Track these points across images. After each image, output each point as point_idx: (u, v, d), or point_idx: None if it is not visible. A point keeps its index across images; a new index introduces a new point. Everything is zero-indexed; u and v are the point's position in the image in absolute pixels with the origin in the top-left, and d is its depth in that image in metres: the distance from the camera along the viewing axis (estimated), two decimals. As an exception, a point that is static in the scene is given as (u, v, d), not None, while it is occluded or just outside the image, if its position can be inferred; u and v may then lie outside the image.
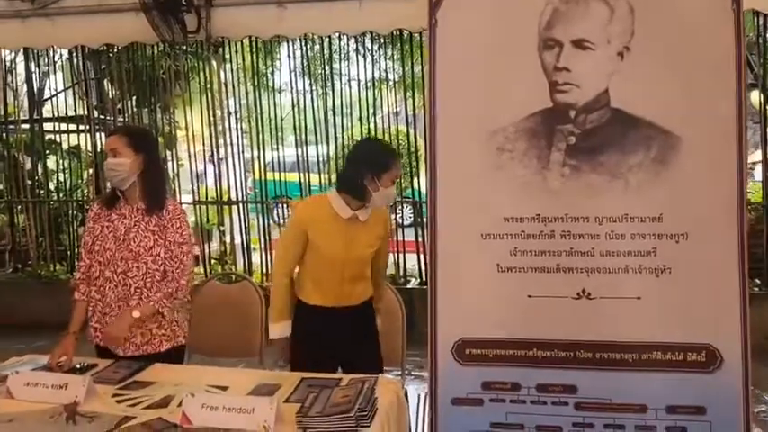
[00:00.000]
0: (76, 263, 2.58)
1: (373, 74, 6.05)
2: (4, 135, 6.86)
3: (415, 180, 6.63)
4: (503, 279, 1.94)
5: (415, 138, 6.13)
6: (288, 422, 1.91)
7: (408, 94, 5.97)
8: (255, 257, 6.17)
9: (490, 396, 1.89)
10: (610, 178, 1.99)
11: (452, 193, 1.90)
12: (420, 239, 5.88)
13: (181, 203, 3.71)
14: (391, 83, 6.11)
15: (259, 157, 6.10)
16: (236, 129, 6.12)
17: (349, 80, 6.13)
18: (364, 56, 6.11)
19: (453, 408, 1.85)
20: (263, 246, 6.05)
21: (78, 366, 2.42)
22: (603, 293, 1.99)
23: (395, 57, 6.05)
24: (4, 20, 5.50)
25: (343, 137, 6.15)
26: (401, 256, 5.94)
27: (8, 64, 6.81)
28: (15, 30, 5.51)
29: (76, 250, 6.63)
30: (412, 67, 5.86)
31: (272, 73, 6.48)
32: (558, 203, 1.96)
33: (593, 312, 1.99)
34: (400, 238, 5.96)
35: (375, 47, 6.14)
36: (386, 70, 6.16)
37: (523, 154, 1.97)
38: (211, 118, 6.06)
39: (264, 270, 6.01)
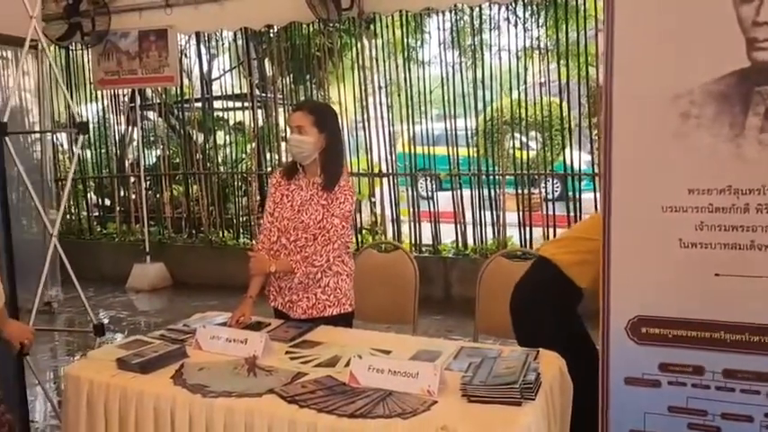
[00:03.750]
0: (257, 230, 2.75)
1: (524, 43, 5.84)
2: (180, 114, 7.55)
3: (564, 153, 6.36)
4: (686, 255, 1.79)
5: (569, 109, 5.86)
6: (450, 389, 1.94)
7: (562, 62, 5.71)
8: (404, 228, 6.29)
9: (668, 378, 1.77)
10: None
11: (629, 164, 1.77)
12: (572, 214, 5.66)
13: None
14: (543, 51, 5.87)
15: (408, 131, 6.18)
16: (386, 103, 6.23)
17: (499, 50, 5.98)
18: (515, 24, 5.92)
19: (626, 387, 1.76)
20: (411, 217, 6.15)
21: (256, 324, 2.61)
22: (804, 274, 1.77)
23: (548, 24, 5.79)
24: (180, 6, 6.02)
25: (492, 108, 6.04)
26: (551, 230, 5.76)
27: (182, 48, 7.45)
28: (189, 15, 6.02)
29: (242, 219, 7.19)
30: (567, 35, 5.59)
31: (421, 46, 6.50)
32: (754, 174, 1.76)
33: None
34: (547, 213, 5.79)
35: (527, 14, 5.92)
36: (537, 38, 5.93)
37: (712, 120, 1.79)
38: (362, 92, 6.22)
39: (413, 240, 6.12)
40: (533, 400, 1.85)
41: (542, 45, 5.87)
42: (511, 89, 5.92)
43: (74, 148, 8.12)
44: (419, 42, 6.48)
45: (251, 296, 2.68)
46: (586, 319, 2.56)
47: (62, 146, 8.22)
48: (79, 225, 7.75)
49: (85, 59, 7.28)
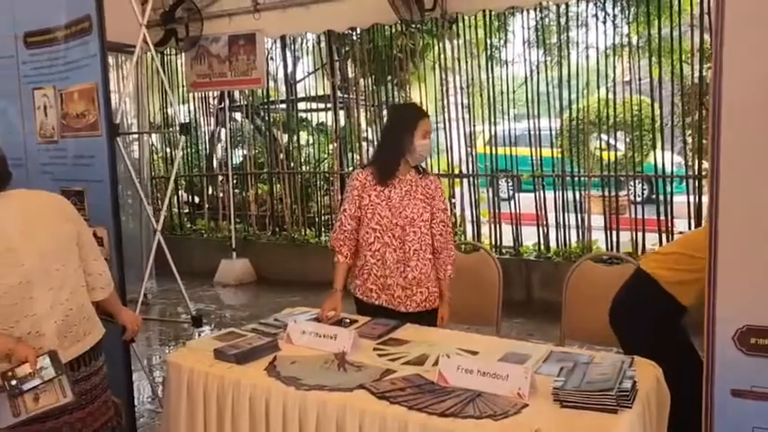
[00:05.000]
0: (335, 225, 2.81)
1: (613, 40, 5.66)
2: (266, 115, 7.81)
3: (652, 154, 6.11)
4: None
5: (660, 108, 5.62)
6: (541, 393, 1.91)
7: (653, 59, 5.49)
8: (484, 229, 6.24)
9: (781, 392, 1.66)
10: None
11: (739, 166, 1.68)
12: (662, 218, 5.43)
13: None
14: (632, 48, 5.66)
15: (488, 131, 6.12)
16: (468, 103, 6.19)
17: (586, 48, 5.82)
18: (604, 21, 5.75)
19: (733, 400, 1.67)
20: (491, 218, 6.09)
21: (345, 321, 2.67)
22: None
23: (639, 20, 5.58)
24: (267, 11, 6.22)
25: (577, 107, 5.89)
26: (639, 234, 5.55)
27: (267, 51, 7.69)
28: (277, 19, 6.21)
29: (324, 217, 7.35)
30: (659, 30, 5.37)
31: (504, 45, 6.42)
32: None
33: None
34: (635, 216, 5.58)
35: (616, 10, 5.73)
36: (627, 35, 5.72)
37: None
38: (442, 93, 6.21)
39: (493, 242, 6.05)
40: (630, 408, 1.80)
41: (632, 42, 5.67)
42: (598, 87, 5.75)
43: (167, 148, 8.59)
44: (502, 41, 6.40)
45: (340, 289, 2.75)
46: (690, 326, 2.47)
47: (154, 146, 8.68)
48: (171, 221, 8.16)
49: (178, 63, 7.65)
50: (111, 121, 2.60)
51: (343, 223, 2.77)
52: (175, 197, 8.35)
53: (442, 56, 6.16)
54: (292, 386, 2.04)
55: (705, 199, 5.19)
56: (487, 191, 6.22)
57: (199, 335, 5.16)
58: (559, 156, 5.99)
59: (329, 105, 7.39)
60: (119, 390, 2.55)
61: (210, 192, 8.31)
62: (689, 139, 5.33)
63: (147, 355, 4.86)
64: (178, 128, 3.19)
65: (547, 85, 5.91)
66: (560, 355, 2.24)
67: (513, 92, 6.13)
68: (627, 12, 5.71)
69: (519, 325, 5.01)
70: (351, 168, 7.22)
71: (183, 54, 6.85)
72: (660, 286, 2.49)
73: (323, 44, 7.29)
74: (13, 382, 1.81)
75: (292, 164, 7.52)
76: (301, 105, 7.98)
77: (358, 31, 6.67)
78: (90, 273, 2.14)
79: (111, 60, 6.24)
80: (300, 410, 1.98)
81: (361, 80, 7.02)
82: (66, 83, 2.70)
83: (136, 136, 6.45)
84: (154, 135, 8.46)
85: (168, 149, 8.61)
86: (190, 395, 2.23)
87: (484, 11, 5.71)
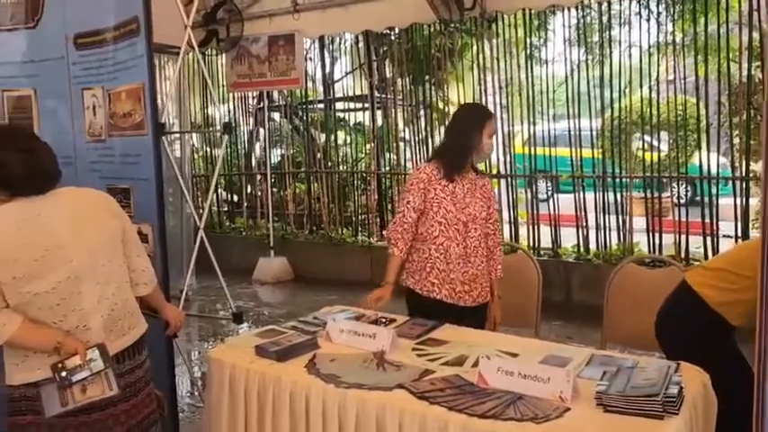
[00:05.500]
0: (395, 218, 2.82)
1: (657, 38, 5.54)
2: (304, 115, 7.88)
3: (696, 155, 5.95)
4: None
5: (706, 107, 5.48)
6: (583, 397, 1.88)
7: (699, 57, 5.35)
8: (521, 230, 6.18)
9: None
10: None
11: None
12: (707, 220, 5.29)
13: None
14: (677, 47, 5.53)
15: (526, 131, 6.05)
16: (507, 103, 6.14)
17: (629, 46, 5.72)
18: (648, 19, 5.63)
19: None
20: (529, 219, 6.02)
21: (382, 320, 2.68)
22: None
23: (684, 17, 5.45)
24: (307, 12, 6.27)
25: (619, 107, 5.78)
26: (683, 237, 5.42)
27: (306, 51, 7.76)
28: (316, 19, 6.26)
29: (360, 217, 7.37)
30: (705, 28, 5.23)
31: (544, 44, 6.34)
32: None
33: None
34: (678, 219, 5.45)
35: (660, 8, 5.61)
36: (671, 33, 5.60)
37: None
38: (481, 92, 6.17)
39: (531, 243, 5.99)
40: (676, 414, 1.76)
41: (677, 40, 5.54)
42: (641, 86, 5.63)
43: (206, 147, 8.74)
44: (542, 40, 6.33)
45: (391, 283, 2.79)
46: (739, 332, 2.41)
47: (195, 145, 8.84)
48: (210, 219, 8.30)
49: (218, 64, 7.77)
50: (157, 120, 2.66)
51: (405, 215, 2.78)
52: (215, 195, 8.49)
53: (481, 55, 6.12)
54: (332, 384, 2.05)
55: (753, 201, 5.05)
56: (525, 191, 6.15)
57: (237, 332, 5.25)
58: (600, 156, 5.88)
59: (366, 105, 7.42)
60: (161, 383, 2.60)
61: (249, 190, 8.42)
62: (736, 140, 5.18)
63: (187, 350, 4.94)
64: (221, 127, 3.22)
65: (588, 84, 5.81)
66: (602, 359, 2.21)
67: (554, 91, 6.05)
68: (672, 9, 5.58)
69: (558, 327, 4.94)
70: (387, 168, 7.24)
71: (223, 54, 6.96)
72: (707, 304, 2.43)
73: (361, 44, 7.32)
74: (63, 374, 1.87)
75: (329, 163, 7.57)
76: (339, 105, 8.02)
77: (396, 31, 6.67)
78: (134, 269, 2.19)
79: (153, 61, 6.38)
80: (340, 408, 1.99)
81: (399, 80, 7.03)
82: (114, 83, 2.77)
83: (177, 135, 6.57)
84: (194, 134, 8.62)
85: (208, 149, 8.77)
86: (231, 390, 2.27)
87: (524, 9, 5.64)
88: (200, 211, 7.98)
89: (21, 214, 1.92)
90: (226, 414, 2.27)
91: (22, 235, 1.89)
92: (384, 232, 2.89)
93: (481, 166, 6.28)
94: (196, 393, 3.98)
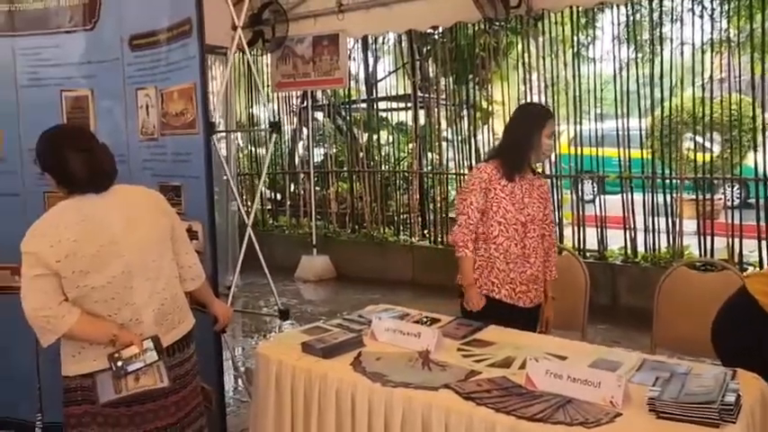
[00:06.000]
0: (459, 220, 2.79)
1: (711, 35, 5.37)
2: (347, 114, 7.92)
3: (750, 155, 5.74)
4: None
5: (762, 106, 5.28)
6: (635, 402, 1.84)
7: (756, 55, 5.16)
8: (566, 232, 6.08)
9: None
10: None
11: None
12: (762, 223, 5.10)
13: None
14: (732, 44, 5.35)
15: (572, 131, 5.95)
16: (552, 102, 6.05)
17: (681, 44, 5.55)
18: (701, 15, 5.46)
19: None
20: (575, 220, 5.92)
21: (424, 320, 2.67)
22: None
23: (740, 13, 5.27)
24: (351, 12, 6.30)
25: (669, 106, 5.63)
26: (736, 240, 5.25)
27: (349, 51, 7.80)
28: (360, 19, 6.28)
29: (402, 216, 7.38)
30: (763, 25, 5.04)
31: (591, 42, 6.23)
32: None
33: None
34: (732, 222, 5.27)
35: (714, 4, 5.44)
36: (726, 30, 5.41)
37: None
38: (526, 91, 6.10)
39: (576, 245, 5.89)
40: (734, 423, 1.70)
41: (731, 37, 5.36)
42: (693, 84, 5.47)
43: (250, 146, 8.88)
44: (589, 38, 6.21)
45: (473, 283, 2.77)
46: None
47: (239, 144, 8.98)
48: (254, 217, 8.41)
49: (262, 64, 7.88)
50: (208, 119, 2.71)
51: (470, 216, 2.76)
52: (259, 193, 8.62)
53: (526, 54, 6.04)
54: (378, 382, 2.06)
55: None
56: (571, 192, 6.05)
57: (280, 328, 5.32)
58: (649, 156, 5.74)
59: (409, 105, 7.41)
60: (209, 377, 2.66)
61: (292, 189, 8.51)
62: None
63: (231, 345, 5.03)
64: (269, 126, 3.26)
65: (637, 82, 5.68)
66: (654, 364, 2.15)
67: (601, 90, 5.93)
68: (726, 5, 5.40)
69: (604, 331, 4.85)
70: (429, 168, 7.22)
71: (268, 55, 7.04)
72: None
73: (404, 43, 7.31)
74: (119, 363, 1.94)
75: (372, 163, 7.59)
76: (381, 105, 8.04)
77: (440, 30, 6.64)
78: (182, 265, 2.25)
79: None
80: (386, 407, 2.00)
81: (442, 79, 7.00)
82: (167, 83, 2.83)
83: (222, 134, 6.70)
84: (239, 133, 8.76)
85: (252, 148, 8.90)
86: (278, 386, 2.30)
87: (571, 7, 5.54)
88: (243, 208, 8.15)
89: (79, 211, 1.99)
90: (272, 409, 2.30)
91: (81, 231, 1.96)
92: (449, 237, 2.87)
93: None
94: (240, 387, 4.04)
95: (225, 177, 4.40)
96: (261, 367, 2.38)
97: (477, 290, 2.76)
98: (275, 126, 3.25)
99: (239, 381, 4.12)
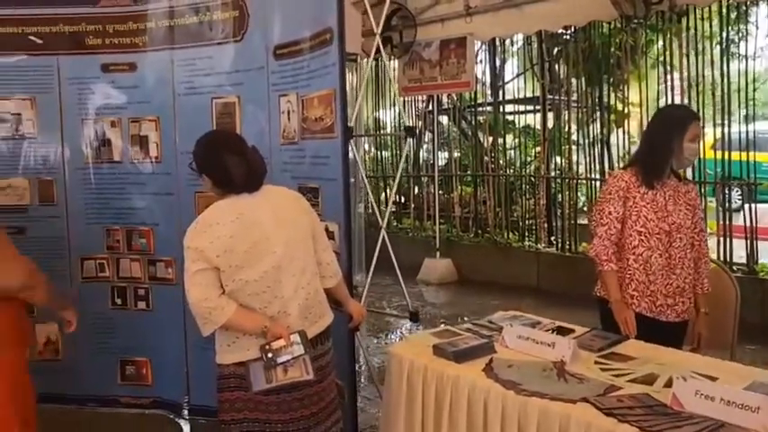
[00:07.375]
0: (598, 232, 2.67)
1: None
2: (472, 118, 7.87)
3: None
4: None
5: None
6: (803, 434, 1.67)
7: None
8: (711, 243, 5.63)
9: None
10: None
11: None
12: None
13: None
14: None
15: (718, 133, 5.50)
16: (696, 102, 5.63)
17: None
18: None
19: None
20: (721, 231, 5.48)
21: (554, 329, 2.59)
22: None
23: None
24: (479, 14, 6.26)
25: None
26: None
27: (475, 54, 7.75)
28: (488, 22, 6.23)
29: (528, 221, 7.21)
30: None
31: (745, 38, 5.73)
32: None
33: None
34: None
35: None
36: None
37: None
38: (666, 92, 5.73)
39: (721, 257, 5.44)
40: None
41: None
42: None
43: (374, 149, 9.07)
44: (741, 34, 5.72)
45: (620, 299, 2.66)
46: None
47: (366, 148, 9.21)
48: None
49: (389, 68, 8.01)
50: (347, 124, 2.81)
51: (610, 227, 2.66)
52: (383, 196, 8.79)
53: (667, 52, 5.68)
54: (512, 390, 2.02)
55: None
56: (716, 200, 5.60)
57: (404, 328, 5.39)
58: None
59: (537, 107, 7.23)
60: (342, 373, 2.75)
61: (416, 192, 8.60)
62: None
63: (365, 344, 5.16)
64: (403, 130, 3.33)
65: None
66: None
67: (754, 90, 5.44)
68: None
69: (754, 352, 4.45)
70: (557, 172, 7.00)
71: (395, 60, 7.17)
72: None
73: (533, 45, 7.14)
74: (270, 355, 2.07)
75: (496, 167, 7.49)
76: (507, 107, 7.91)
77: (572, 30, 6.42)
78: (320, 262, 2.35)
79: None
80: (520, 416, 1.96)
81: (573, 80, 6.76)
82: (308, 90, 2.98)
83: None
84: (365, 137, 9.00)
85: (376, 151, 9.09)
86: (409, 386, 2.33)
87: (720, 1, 5.16)
88: (369, 210, 8.34)
89: (235, 210, 2.15)
90: (404, 408, 2.34)
91: (237, 228, 2.11)
92: (590, 252, 2.75)
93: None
94: (367, 385, 4.14)
95: (352, 180, 4.54)
96: (393, 366, 2.42)
97: (628, 308, 2.61)
98: (410, 131, 3.31)
99: (362, 378, 4.21)
